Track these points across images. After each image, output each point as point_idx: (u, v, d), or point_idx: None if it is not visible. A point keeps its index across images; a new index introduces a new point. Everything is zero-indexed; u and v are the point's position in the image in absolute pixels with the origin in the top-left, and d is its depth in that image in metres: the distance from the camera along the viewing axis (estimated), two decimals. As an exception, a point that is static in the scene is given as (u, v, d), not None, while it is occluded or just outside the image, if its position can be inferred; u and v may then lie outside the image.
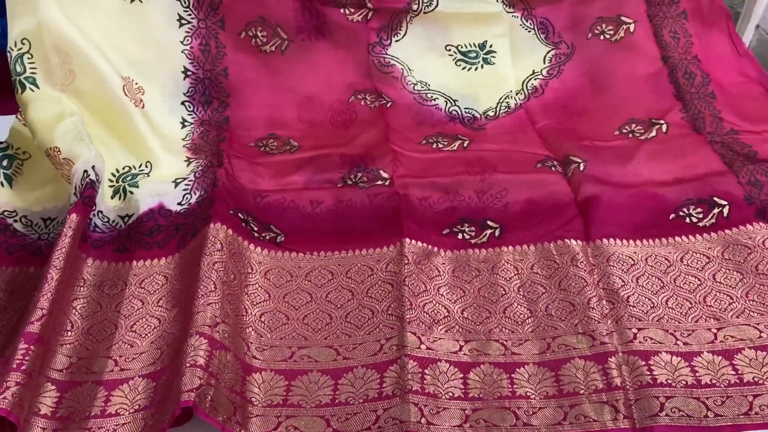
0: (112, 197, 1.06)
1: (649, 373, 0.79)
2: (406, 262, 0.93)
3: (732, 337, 0.84)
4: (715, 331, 0.85)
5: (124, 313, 0.89)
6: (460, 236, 1.00)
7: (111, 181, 1.07)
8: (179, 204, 1.04)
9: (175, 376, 0.76)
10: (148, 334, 0.86)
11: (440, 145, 1.18)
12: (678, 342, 0.84)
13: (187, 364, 0.76)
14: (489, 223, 1.02)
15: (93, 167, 0.97)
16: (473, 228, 1.01)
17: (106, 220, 1.02)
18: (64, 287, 0.85)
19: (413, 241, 0.97)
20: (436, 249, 0.97)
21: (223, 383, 0.77)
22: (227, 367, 0.79)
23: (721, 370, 0.80)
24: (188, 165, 1.05)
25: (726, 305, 0.88)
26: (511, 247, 0.98)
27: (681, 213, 1.01)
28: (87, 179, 0.95)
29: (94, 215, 1.01)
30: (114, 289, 0.92)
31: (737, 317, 0.86)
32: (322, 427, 0.76)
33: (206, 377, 0.75)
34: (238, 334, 0.84)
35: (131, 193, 1.06)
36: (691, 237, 0.98)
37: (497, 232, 1.00)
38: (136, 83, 1.12)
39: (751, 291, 0.89)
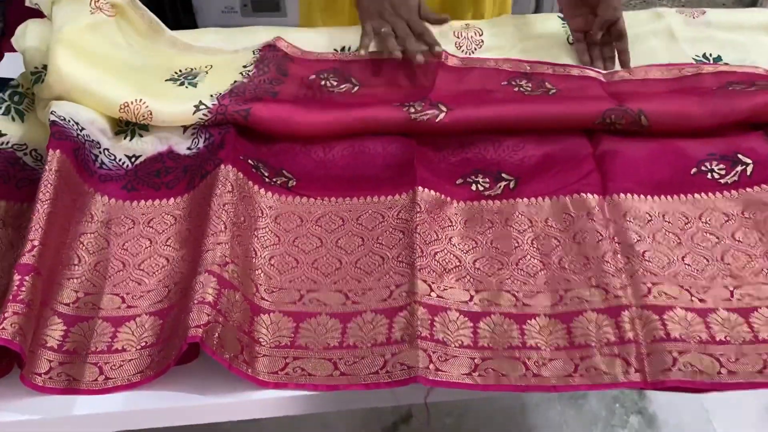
0: (124, 138, 1.04)
1: (662, 327, 0.78)
2: (418, 210, 0.91)
3: (749, 295, 0.82)
4: (731, 288, 0.83)
5: (131, 251, 0.89)
6: (473, 187, 0.98)
7: (120, 125, 1.06)
8: (188, 149, 1.02)
9: (183, 313, 0.75)
10: (156, 273, 0.86)
11: (522, 89, 1.13)
12: (693, 298, 0.82)
13: (196, 301, 0.75)
14: (503, 175, 1.00)
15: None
16: (487, 179, 0.99)
17: (112, 157, 1.01)
18: (64, 220, 0.84)
19: (426, 189, 0.95)
20: (449, 199, 0.96)
21: (232, 322, 0.76)
22: (236, 307, 0.78)
23: (736, 327, 0.78)
24: (196, 112, 1.03)
25: (744, 264, 0.86)
26: (525, 200, 0.96)
27: (703, 168, 0.99)
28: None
29: (100, 152, 1.00)
30: (121, 227, 0.91)
31: (755, 276, 0.84)
32: (329, 370, 0.76)
33: (214, 314, 0.74)
34: (247, 275, 0.83)
35: (140, 135, 1.04)
36: (711, 194, 0.96)
37: (512, 185, 0.98)
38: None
39: None
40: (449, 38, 1.25)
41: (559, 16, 1.28)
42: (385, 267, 0.87)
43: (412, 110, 1.04)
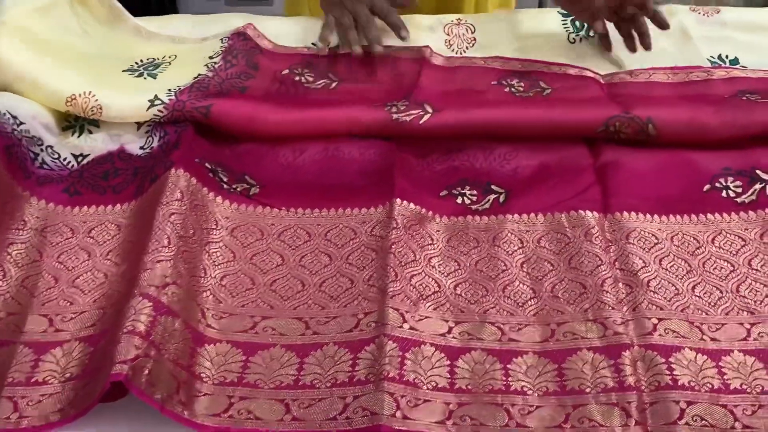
0: (72, 134, 0.94)
1: (668, 372, 0.67)
2: (395, 225, 0.80)
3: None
4: (748, 326, 0.73)
5: (67, 264, 0.78)
6: (459, 200, 0.87)
7: (69, 120, 0.95)
8: (141, 148, 0.91)
9: (111, 345, 0.65)
10: (92, 291, 0.75)
11: (514, 90, 1.02)
12: (705, 337, 0.71)
13: (125, 330, 0.64)
14: (493, 187, 0.89)
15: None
16: (475, 191, 0.88)
17: (56, 156, 0.90)
18: None
19: (405, 202, 0.84)
20: (430, 213, 0.85)
21: (167, 355, 0.65)
22: (174, 336, 0.67)
23: (753, 373, 0.68)
24: (150, 107, 0.92)
25: (762, 297, 0.75)
26: (516, 216, 0.85)
27: (717, 184, 0.88)
28: None
29: (42, 150, 0.89)
30: (58, 237, 0.81)
31: None
32: (280, 413, 0.65)
33: (146, 347, 0.64)
34: (191, 298, 0.73)
35: (90, 132, 0.94)
36: (725, 215, 0.85)
37: (502, 198, 0.88)
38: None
39: None
40: (439, 34, 1.14)
41: (559, 12, 1.17)
42: (353, 291, 0.76)
43: (394, 110, 0.93)
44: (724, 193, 0.87)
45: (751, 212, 0.85)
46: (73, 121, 0.95)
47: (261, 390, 0.67)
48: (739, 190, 0.87)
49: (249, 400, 0.66)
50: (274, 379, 0.68)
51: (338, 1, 1.10)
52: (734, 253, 0.80)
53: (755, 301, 0.75)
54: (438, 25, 1.15)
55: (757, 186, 0.87)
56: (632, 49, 1.09)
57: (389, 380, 0.65)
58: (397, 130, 0.92)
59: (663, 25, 1.07)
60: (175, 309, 0.69)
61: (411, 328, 0.71)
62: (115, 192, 0.86)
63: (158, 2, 2.31)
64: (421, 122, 0.91)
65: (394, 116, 0.92)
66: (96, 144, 0.93)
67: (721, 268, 0.79)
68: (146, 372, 0.62)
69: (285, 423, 0.65)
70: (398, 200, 0.83)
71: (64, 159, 0.91)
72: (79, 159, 0.91)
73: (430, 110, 0.93)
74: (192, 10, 2.11)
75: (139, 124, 0.94)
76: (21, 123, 0.88)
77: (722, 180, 0.89)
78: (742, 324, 0.73)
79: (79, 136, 0.93)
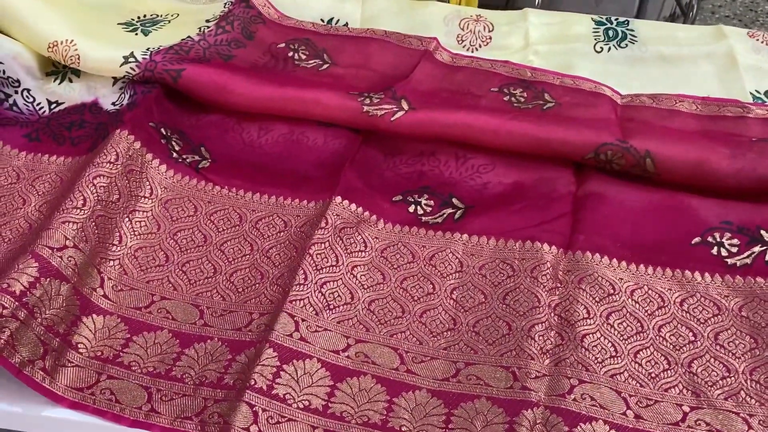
0: (54, 80, 0.94)
1: (566, 445, 0.58)
2: (323, 225, 0.75)
3: (706, 423, 0.61)
4: (687, 409, 0.62)
5: (0, 209, 0.78)
6: (411, 208, 0.80)
7: (56, 66, 0.95)
8: (113, 104, 0.90)
9: None
10: (12, 240, 0.74)
11: (514, 99, 0.93)
12: (628, 411, 0.62)
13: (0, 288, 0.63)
14: (454, 200, 0.81)
15: None
16: (432, 202, 0.81)
17: (31, 100, 0.90)
18: None
19: (345, 201, 0.78)
20: (374, 218, 0.78)
21: (40, 319, 0.63)
22: (54, 301, 0.65)
23: None
24: (124, 64, 0.90)
25: (717, 379, 0.65)
26: (465, 236, 0.77)
27: (709, 239, 0.76)
28: None
29: (16, 92, 0.90)
30: (3, 179, 0.81)
31: (725, 399, 0.63)
32: (140, 402, 0.62)
33: (14, 307, 0.62)
34: (94, 264, 0.70)
35: (70, 81, 0.93)
36: (707, 275, 0.73)
37: (457, 215, 0.80)
38: None
39: (760, 369, 0.65)
40: (452, 27, 1.06)
41: (593, 18, 1.05)
42: (259, 287, 0.71)
43: (367, 101, 0.86)
44: (714, 250, 0.75)
45: (738, 277, 0.73)
46: (60, 68, 0.95)
47: (131, 372, 0.64)
48: (735, 249, 0.75)
49: (116, 380, 0.63)
50: (148, 364, 0.65)
51: None
52: (702, 321, 0.69)
53: (706, 383, 0.64)
54: (455, 17, 1.06)
55: (757, 249, 0.75)
56: None
57: (254, 390, 0.61)
58: (365, 123, 0.86)
59: None
60: (66, 273, 0.67)
61: (301, 338, 0.66)
62: (73, 144, 0.85)
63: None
64: (392, 119, 0.85)
65: (365, 108, 0.85)
66: (73, 93, 0.92)
67: (680, 335, 0.68)
68: (7, 333, 0.61)
69: (141, 412, 0.62)
70: (338, 198, 0.78)
71: (38, 104, 0.91)
72: (53, 106, 0.91)
73: (405, 107, 0.86)
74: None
75: (115, 80, 0.92)
76: (-1, 62, 0.88)
77: (717, 235, 0.77)
78: (680, 405, 0.63)
79: (60, 83, 0.93)
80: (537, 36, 1.03)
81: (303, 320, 0.67)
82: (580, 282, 0.71)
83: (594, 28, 1.04)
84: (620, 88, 0.95)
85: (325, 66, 0.98)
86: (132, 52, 0.90)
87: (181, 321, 0.68)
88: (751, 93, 0.95)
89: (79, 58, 0.90)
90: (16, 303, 0.62)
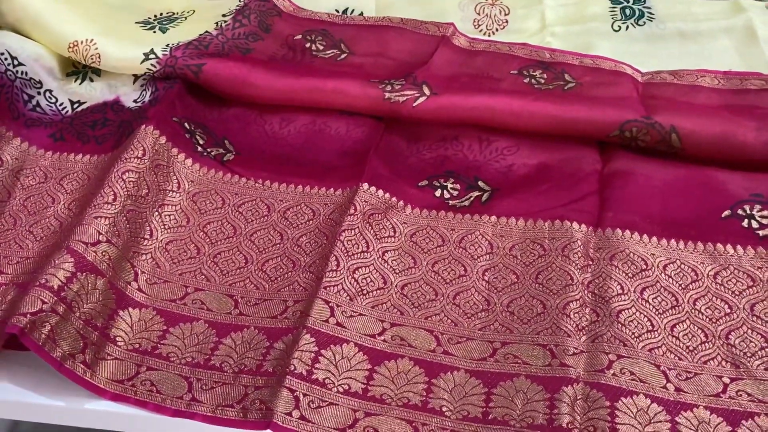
0: (75, 80, 0.94)
1: (609, 419, 0.58)
2: (352, 212, 0.75)
3: (748, 394, 0.61)
4: (727, 381, 0.62)
5: (30, 208, 0.78)
6: (438, 192, 0.80)
7: (76, 66, 0.95)
8: (135, 101, 0.90)
9: (23, 295, 0.64)
10: (45, 238, 0.75)
11: (534, 81, 0.93)
12: (668, 384, 0.62)
13: (37, 283, 0.63)
14: (480, 183, 0.81)
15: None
16: (458, 186, 0.81)
17: (53, 101, 0.91)
18: None
19: (373, 188, 0.78)
20: (401, 203, 0.78)
21: (79, 313, 0.64)
22: (92, 295, 0.66)
23: None
24: (144, 61, 0.90)
25: (756, 349, 0.64)
26: (494, 218, 0.77)
27: (739, 212, 0.76)
28: None
29: (39, 93, 0.90)
30: (31, 179, 0.82)
31: (766, 369, 0.63)
32: (181, 391, 0.63)
33: (53, 302, 0.62)
34: (127, 258, 0.71)
35: (91, 80, 0.94)
36: (739, 248, 0.73)
37: (484, 197, 0.80)
38: None
39: None
40: (468, 13, 1.06)
41: None
42: (292, 275, 0.72)
43: (389, 88, 0.86)
44: (744, 222, 0.75)
45: (771, 249, 0.72)
46: (80, 68, 0.96)
47: (170, 363, 0.64)
48: (766, 221, 0.75)
49: (155, 371, 0.64)
50: (186, 354, 0.65)
51: None
52: (737, 293, 0.69)
53: (745, 353, 0.64)
54: (470, 2, 1.06)
55: None
56: None
57: (294, 375, 0.61)
58: (387, 110, 0.86)
59: None
60: (102, 268, 0.68)
61: (338, 323, 0.66)
62: (98, 143, 0.86)
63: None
64: (414, 104, 0.85)
65: (387, 95, 0.85)
66: (94, 93, 0.93)
67: (716, 308, 0.68)
68: (48, 327, 0.61)
69: (183, 401, 0.62)
70: (365, 185, 0.78)
71: (61, 104, 0.91)
72: (75, 106, 0.92)
73: (427, 92, 0.86)
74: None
75: (136, 77, 0.93)
76: (20, 64, 0.89)
77: (747, 207, 0.76)
78: (720, 377, 0.63)
79: (81, 83, 0.94)
80: (553, 17, 1.03)
81: (338, 306, 0.67)
82: (612, 259, 0.71)
83: (611, 8, 1.03)
84: (640, 66, 0.95)
85: (343, 56, 0.98)
86: (152, 49, 0.91)
87: (217, 311, 0.69)
88: None
89: (99, 57, 0.91)
90: (55, 298, 0.63)
